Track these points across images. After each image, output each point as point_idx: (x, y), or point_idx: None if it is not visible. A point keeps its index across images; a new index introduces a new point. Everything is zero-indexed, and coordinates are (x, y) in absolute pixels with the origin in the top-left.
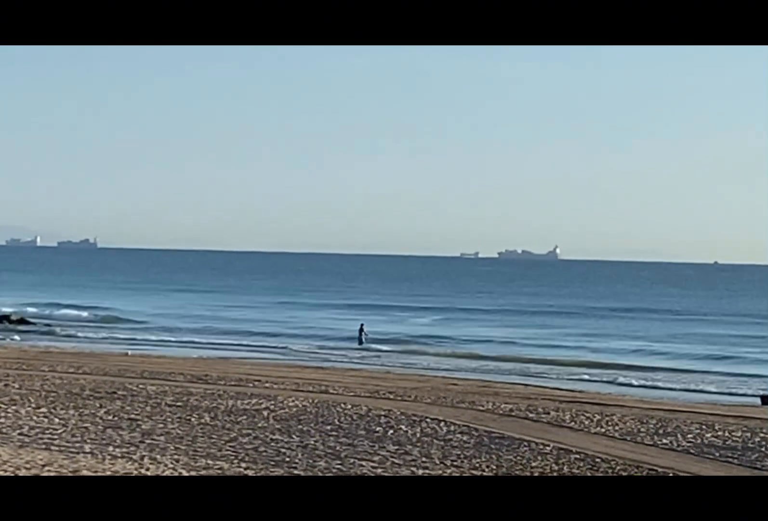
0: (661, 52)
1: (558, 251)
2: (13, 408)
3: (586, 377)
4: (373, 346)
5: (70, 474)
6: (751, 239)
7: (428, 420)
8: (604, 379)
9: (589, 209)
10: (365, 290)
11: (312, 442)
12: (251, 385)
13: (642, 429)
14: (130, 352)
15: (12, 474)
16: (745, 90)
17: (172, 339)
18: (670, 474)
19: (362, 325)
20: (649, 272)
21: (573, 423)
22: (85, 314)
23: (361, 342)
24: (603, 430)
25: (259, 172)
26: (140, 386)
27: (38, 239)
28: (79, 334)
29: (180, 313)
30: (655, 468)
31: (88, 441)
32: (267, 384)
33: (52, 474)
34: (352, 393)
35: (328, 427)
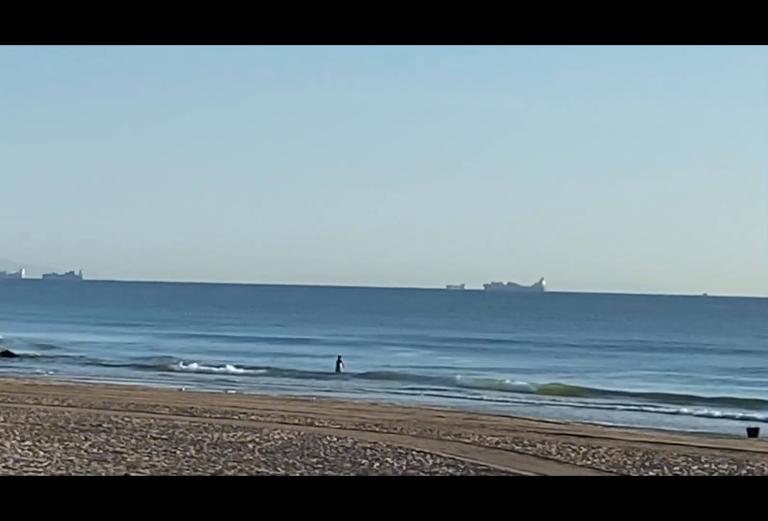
0: (657, 90)
1: (544, 283)
2: None
3: (572, 409)
4: (354, 378)
5: (70, 474)
6: (741, 271)
7: (414, 452)
8: (591, 412)
9: (575, 241)
10: (348, 323)
11: (297, 475)
12: (237, 418)
13: (628, 462)
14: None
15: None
16: (734, 124)
17: (157, 372)
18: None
19: (339, 356)
20: (636, 304)
21: (559, 456)
22: (70, 346)
23: (338, 372)
24: (589, 462)
25: (238, 204)
26: (125, 419)
27: (23, 272)
28: (65, 367)
29: (156, 345)
30: None
31: (73, 474)
32: (253, 417)
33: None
34: (337, 426)
35: (314, 460)
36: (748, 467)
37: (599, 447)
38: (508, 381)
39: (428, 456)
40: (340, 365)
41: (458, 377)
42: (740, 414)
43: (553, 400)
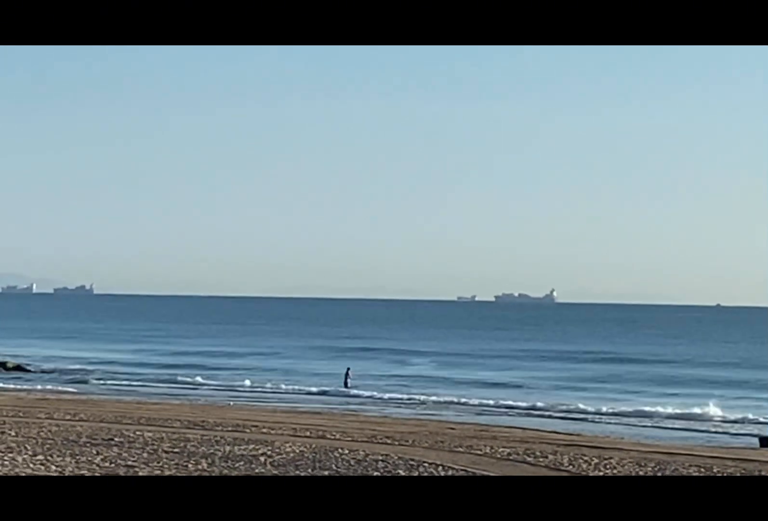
0: (668, 106)
1: (555, 294)
2: (10, 455)
3: (584, 420)
4: (363, 390)
5: (70, 475)
6: (754, 280)
7: (426, 464)
8: (602, 421)
9: (586, 252)
10: (360, 335)
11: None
12: (248, 431)
13: (640, 472)
14: (232, 403)
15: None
16: (749, 133)
17: (169, 386)
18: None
19: (348, 369)
20: (647, 314)
21: (571, 467)
22: (81, 360)
23: (346, 385)
24: (601, 474)
25: (250, 216)
26: (137, 432)
27: (34, 286)
28: (77, 381)
29: (168, 361)
30: None
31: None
32: (264, 430)
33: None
34: (349, 438)
35: (326, 472)
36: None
37: (611, 458)
38: (521, 395)
39: (440, 468)
40: (348, 377)
41: (472, 389)
42: (752, 424)
43: (566, 415)
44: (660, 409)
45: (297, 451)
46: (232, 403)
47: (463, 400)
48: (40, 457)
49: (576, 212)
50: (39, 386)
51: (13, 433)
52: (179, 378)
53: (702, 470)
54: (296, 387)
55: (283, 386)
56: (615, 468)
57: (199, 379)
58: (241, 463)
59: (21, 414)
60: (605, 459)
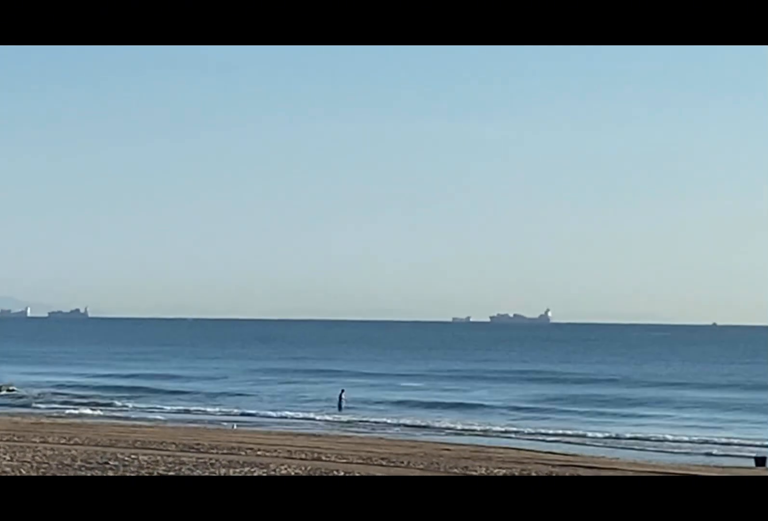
0: (661, 115)
1: (550, 314)
2: None
3: (579, 440)
4: (355, 411)
5: (70, 475)
6: (750, 300)
7: None
8: (597, 443)
9: (581, 272)
10: (354, 358)
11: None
12: (243, 453)
13: None
14: (235, 426)
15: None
16: (744, 153)
17: (165, 409)
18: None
19: (342, 391)
20: (642, 334)
21: None
22: (77, 384)
23: (340, 408)
24: None
25: (242, 238)
26: (132, 456)
27: (29, 310)
28: (70, 405)
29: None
30: None
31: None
32: (259, 452)
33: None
34: (344, 460)
35: None
36: None
37: None
38: (516, 416)
39: None
40: (343, 400)
41: (466, 410)
42: (748, 443)
43: (561, 435)
44: (653, 432)
45: (292, 474)
46: (235, 426)
47: (455, 419)
48: None
49: (571, 232)
50: (33, 411)
51: (7, 457)
52: (174, 403)
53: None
54: (289, 412)
55: (272, 413)
56: None
57: (178, 405)
58: None
59: (15, 438)
60: None
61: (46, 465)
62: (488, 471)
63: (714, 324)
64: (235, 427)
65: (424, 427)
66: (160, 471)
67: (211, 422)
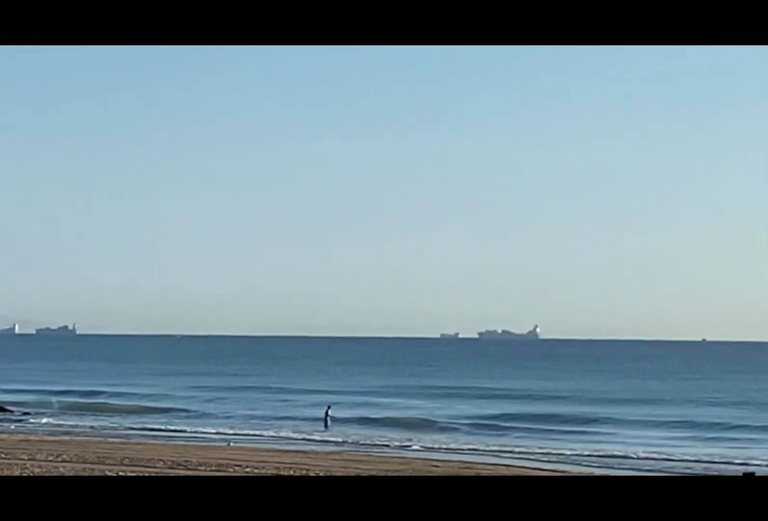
0: (655, 136)
1: (538, 330)
2: None
3: (567, 459)
4: (342, 429)
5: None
6: (739, 315)
7: None
8: (584, 461)
9: (570, 288)
10: (340, 374)
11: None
12: (232, 470)
13: None
14: (231, 443)
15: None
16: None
17: (154, 427)
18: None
19: (329, 407)
20: (632, 350)
21: None
22: (64, 401)
23: (327, 425)
24: None
25: (230, 254)
26: (120, 473)
27: (16, 327)
28: (59, 422)
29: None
30: None
31: None
32: (247, 469)
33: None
34: None
35: None
36: None
37: None
38: (504, 432)
39: None
40: (328, 416)
41: (455, 426)
42: (737, 460)
43: (550, 452)
44: (640, 450)
45: None
46: (231, 443)
47: (444, 435)
48: None
49: (560, 248)
50: (21, 428)
51: None
52: (157, 422)
53: None
54: (276, 429)
55: (258, 431)
56: None
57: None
58: None
59: (2, 455)
60: None
61: None
62: None
63: (704, 340)
64: (231, 444)
65: (412, 444)
66: None
67: (196, 439)
